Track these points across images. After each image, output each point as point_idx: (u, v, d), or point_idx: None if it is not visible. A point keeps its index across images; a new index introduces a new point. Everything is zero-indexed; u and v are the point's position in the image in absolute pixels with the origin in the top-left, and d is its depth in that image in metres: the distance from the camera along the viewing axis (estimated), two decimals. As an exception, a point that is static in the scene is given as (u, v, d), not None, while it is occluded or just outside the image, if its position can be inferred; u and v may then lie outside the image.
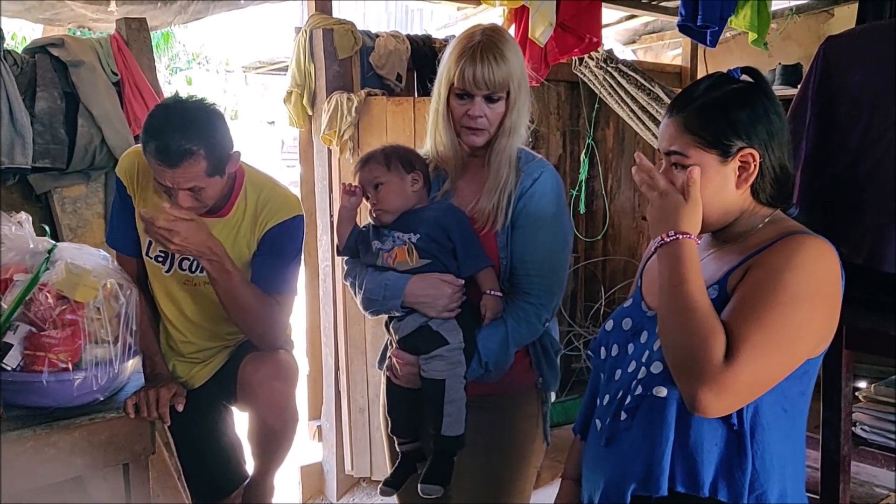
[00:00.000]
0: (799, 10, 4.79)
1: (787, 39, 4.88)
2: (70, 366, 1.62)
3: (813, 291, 1.15)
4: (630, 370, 1.29)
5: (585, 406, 1.51)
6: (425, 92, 3.51)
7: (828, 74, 1.97)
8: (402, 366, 1.67)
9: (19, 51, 2.67)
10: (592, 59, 3.91)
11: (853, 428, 2.06)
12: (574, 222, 4.31)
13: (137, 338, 1.77)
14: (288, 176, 6.47)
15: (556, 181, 1.69)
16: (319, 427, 3.56)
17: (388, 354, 1.75)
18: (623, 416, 1.27)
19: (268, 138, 10.51)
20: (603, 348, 1.40)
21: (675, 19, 3.24)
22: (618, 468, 1.27)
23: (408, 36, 3.56)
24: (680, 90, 1.41)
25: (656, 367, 1.22)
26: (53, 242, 1.74)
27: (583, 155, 4.38)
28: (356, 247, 1.75)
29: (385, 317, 1.73)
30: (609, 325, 1.40)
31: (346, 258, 1.79)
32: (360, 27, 3.35)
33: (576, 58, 3.94)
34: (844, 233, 1.87)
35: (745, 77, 1.28)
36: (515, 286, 1.66)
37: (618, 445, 1.28)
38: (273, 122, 10.58)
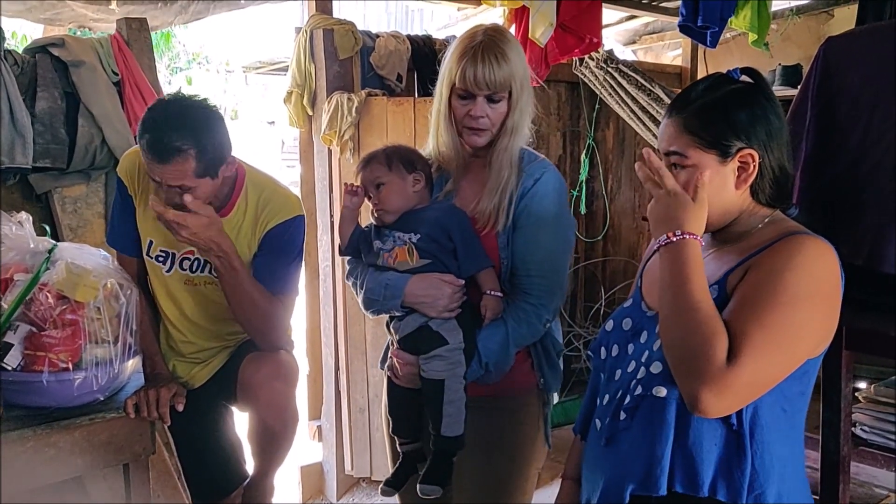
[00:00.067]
0: (799, 10, 4.79)
1: (787, 40, 4.88)
2: (70, 366, 1.62)
3: (813, 291, 1.15)
4: (630, 370, 1.29)
5: (586, 406, 1.51)
6: (426, 92, 3.51)
7: (828, 75, 1.98)
8: (403, 366, 1.67)
9: (20, 50, 2.67)
10: (593, 59, 3.92)
11: (853, 428, 2.06)
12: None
13: (138, 338, 1.77)
14: (288, 176, 6.47)
15: (558, 182, 1.69)
16: (319, 427, 3.56)
17: (389, 354, 1.75)
18: (622, 415, 1.27)
19: (268, 138, 10.51)
20: (603, 348, 1.40)
21: (675, 20, 3.25)
22: (617, 468, 1.27)
23: (408, 36, 3.57)
24: (680, 91, 1.41)
25: (656, 367, 1.22)
26: (54, 242, 1.74)
27: (583, 155, 4.38)
28: (358, 247, 1.75)
29: (386, 317, 1.73)
30: (609, 325, 1.40)
31: (348, 258, 1.80)
32: (360, 27, 3.35)
33: (576, 58, 3.94)
34: (844, 233, 1.87)
35: (744, 78, 1.28)
36: (516, 286, 1.66)
37: (617, 445, 1.28)
38: (273, 123, 10.58)
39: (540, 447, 1.77)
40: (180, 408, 1.78)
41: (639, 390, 1.24)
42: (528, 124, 1.69)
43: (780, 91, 4.09)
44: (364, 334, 3.28)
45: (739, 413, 1.17)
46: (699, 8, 3.06)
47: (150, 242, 1.95)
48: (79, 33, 3.23)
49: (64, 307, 1.63)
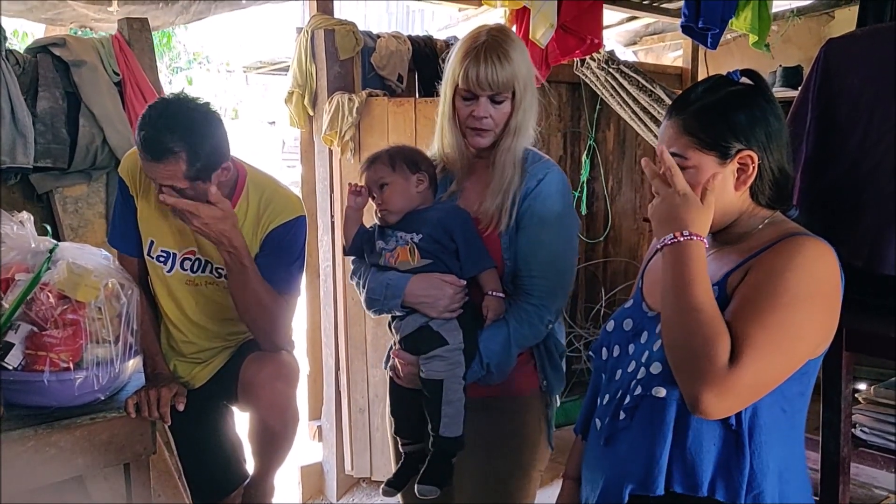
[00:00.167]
0: (800, 12, 4.79)
1: (787, 41, 4.88)
2: (71, 365, 1.62)
3: (813, 292, 1.15)
4: (630, 370, 1.29)
5: (586, 406, 1.51)
6: (426, 93, 3.51)
7: (828, 77, 1.98)
8: (404, 366, 1.67)
9: (22, 49, 2.68)
10: (594, 60, 3.92)
11: (853, 429, 2.06)
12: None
13: (138, 337, 1.77)
14: (289, 176, 6.48)
15: (562, 182, 1.68)
16: (319, 427, 3.56)
17: (390, 354, 1.75)
18: (622, 415, 1.27)
19: (268, 138, 10.52)
20: (604, 349, 1.40)
21: (676, 21, 3.25)
22: (616, 468, 1.27)
23: (409, 37, 3.57)
24: (681, 92, 1.41)
25: (656, 368, 1.22)
26: (55, 242, 1.74)
27: (584, 156, 4.38)
28: (362, 247, 1.75)
29: (388, 317, 1.73)
30: (610, 325, 1.40)
31: (352, 258, 1.80)
32: (361, 28, 3.35)
33: (577, 59, 3.94)
34: (844, 235, 1.87)
35: (744, 79, 1.28)
36: (518, 287, 1.66)
37: (616, 445, 1.28)
38: (274, 123, 10.58)
39: (542, 449, 1.76)
40: (181, 407, 1.78)
41: (638, 390, 1.24)
42: (532, 125, 1.68)
43: (780, 92, 4.09)
44: (364, 334, 3.28)
45: (738, 413, 1.17)
46: (700, 9, 3.07)
47: (151, 242, 1.95)
48: (80, 33, 3.24)
49: (65, 307, 1.63)
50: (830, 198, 1.97)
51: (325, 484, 3.53)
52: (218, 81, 9.61)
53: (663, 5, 4.37)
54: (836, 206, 1.96)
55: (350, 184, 1.77)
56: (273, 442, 2.01)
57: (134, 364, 1.77)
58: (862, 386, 2.30)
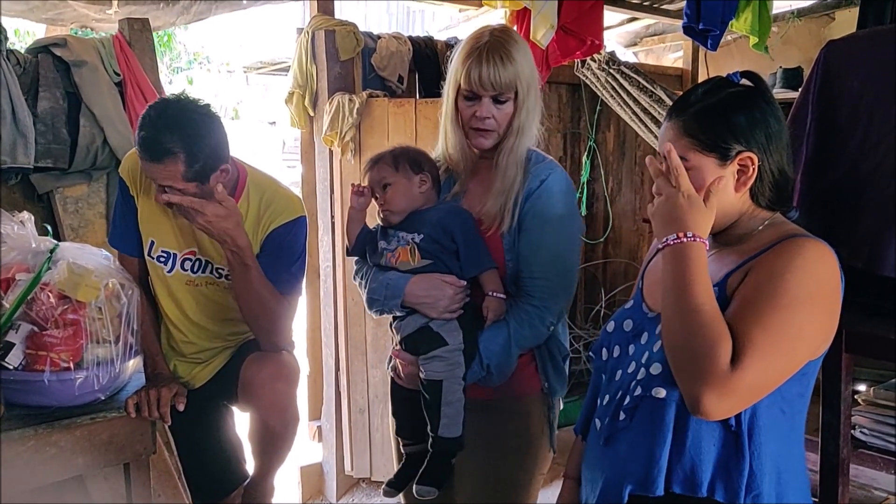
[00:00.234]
0: (800, 13, 4.80)
1: (787, 43, 4.88)
2: (71, 365, 1.62)
3: (813, 293, 1.16)
4: (630, 371, 1.29)
5: (587, 407, 1.51)
6: (427, 93, 3.52)
7: (828, 78, 1.98)
8: (405, 366, 1.68)
9: (23, 48, 2.68)
10: (595, 61, 3.92)
11: (852, 431, 2.06)
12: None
13: (139, 338, 1.78)
14: (289, 176, 6.48)
15: (565, 183, 1.67)
16: (319, 427, 3.56)
17: (391, 354, 1.75)
18: (622, 416, 1.27)
19: (269, 139, 10.53)
20: (604, 349, 1.40)
21: (677, 22, 3.26)
22: (616, 468, 1.27)
23: (410, 37, 3.57)
24: (681, 93, 1.41)
25: (655, 369, 1.22)
26: (55, 242, 1.74)
27: (584, 157, 4.38)
28: (365, 247, 1.75)
29: (390, 317, 1.73)
30: (610, 326, 1.41)
31: (355, 258, 1.80)
32: (361, 28, 3.35)
33: (577, 60, 3.94)
34: (844, 237, 1.87)
35: (744, 81, 1.29)
36: (520, 288, 1.65)
37: (616, 445, 1.29)
38: (274, 123, 10.59)
39: (544, 452, 1.75)
40: (181, 407, 1.78)
41: (638, 391, 1.25)
42: (535, 125, 1.68)
43: (780, 94, 4.09)
44: (364, 335, 3.28)
45: (738, 414, 1.17)
46: (701, 10, 3.07)
47: (152, 243, 1.95)
48: (81, 33, 3.24)
49: (65, 307, 1.64)
50: (830, 199, 1.97)
51: (325, 484, 3.53)
52: (218, 82, 9.61)
53: (664, 6, 4.38)
54: (836, 208, 1.96)
55: (353, 184, 1.77)
56: (273, 442, 2.01)
57: (134, 364, 1.77)
58: (861, 387, 2.30)
